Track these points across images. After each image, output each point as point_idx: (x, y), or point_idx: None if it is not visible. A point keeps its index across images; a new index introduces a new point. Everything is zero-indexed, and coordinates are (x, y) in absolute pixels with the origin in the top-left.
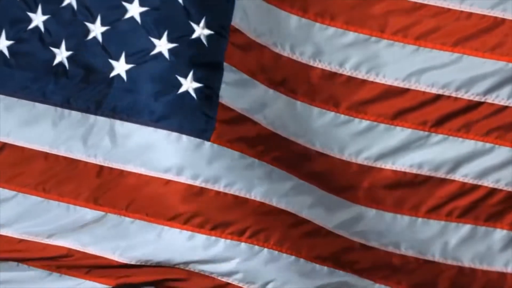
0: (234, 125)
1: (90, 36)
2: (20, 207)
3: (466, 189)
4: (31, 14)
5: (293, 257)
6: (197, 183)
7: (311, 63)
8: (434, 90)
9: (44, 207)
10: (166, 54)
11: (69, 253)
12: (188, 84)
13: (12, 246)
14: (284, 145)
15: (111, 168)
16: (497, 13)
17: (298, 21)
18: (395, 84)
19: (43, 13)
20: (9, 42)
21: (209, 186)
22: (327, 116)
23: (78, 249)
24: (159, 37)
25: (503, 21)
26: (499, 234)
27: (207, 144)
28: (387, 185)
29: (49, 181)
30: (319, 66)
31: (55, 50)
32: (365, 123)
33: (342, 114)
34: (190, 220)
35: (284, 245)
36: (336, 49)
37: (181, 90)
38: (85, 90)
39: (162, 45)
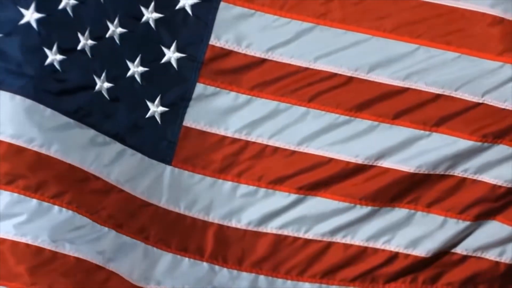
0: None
1: (79, 47)
2: None
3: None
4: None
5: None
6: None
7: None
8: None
9: None
10: (138, 78)
11: None
12: (155, 109)
13: None
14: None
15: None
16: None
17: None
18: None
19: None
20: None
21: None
22: None
23: None
24: (133, 61)
25: (502, 20)
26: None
27: (168, 168)
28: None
29: None
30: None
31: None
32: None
33: None
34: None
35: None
36: None
37: (148, 114)
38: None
39: (136, 69)
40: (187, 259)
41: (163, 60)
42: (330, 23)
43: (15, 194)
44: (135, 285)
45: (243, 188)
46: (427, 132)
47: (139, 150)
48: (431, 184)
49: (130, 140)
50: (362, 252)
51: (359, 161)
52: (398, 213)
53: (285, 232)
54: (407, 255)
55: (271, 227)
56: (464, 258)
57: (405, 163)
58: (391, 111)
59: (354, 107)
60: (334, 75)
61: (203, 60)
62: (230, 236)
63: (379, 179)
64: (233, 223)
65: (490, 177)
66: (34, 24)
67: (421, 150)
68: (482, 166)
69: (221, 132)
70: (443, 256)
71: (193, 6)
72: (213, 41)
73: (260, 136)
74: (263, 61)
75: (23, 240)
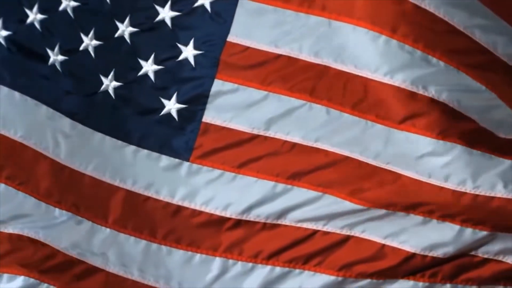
0: (216, 143)
1: (82, 48)
2: None
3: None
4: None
5: None
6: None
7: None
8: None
9: None
10: (152, 76)
11: None
12: (171, 106)
13: None
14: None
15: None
16: None
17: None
18: None
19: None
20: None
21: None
22: None
23: None
24: (146, 59)
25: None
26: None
27: (186, 164)
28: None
29: None
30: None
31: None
32: None
33: None
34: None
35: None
36: None
37: (164, 111)
38: (73, 98)
39: (149, 67)
40: (198, 255)
41: (180, 58)
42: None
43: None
44: None
45: (262, 183)
46: None
47: (153, 149)
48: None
49: (143, 139)
50: (380, 250)
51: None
52: (414, 218)
53: (304, 225)
54: (424, 256)
55: (290, 221)
56: (485, 261)
57: None
58: None
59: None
60: None
61: (221, 56)
62: (246, 230)
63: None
64: (251, 218)
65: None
66: (37, 25)
67: None
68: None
69: (240, 128)
70: (463, 257)
71: (212, 3)
72: (230, 37)
73: (278, 132)
74: (278, 56)
75: None
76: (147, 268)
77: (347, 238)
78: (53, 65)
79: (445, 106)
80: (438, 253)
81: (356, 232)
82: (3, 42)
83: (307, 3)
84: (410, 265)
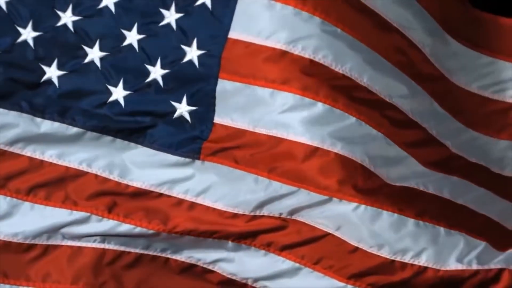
0: (227, 141)
1: (87, 60)
2: None
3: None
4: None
5: None
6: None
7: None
8: None
9: None
10: (160, 81)
11: None
12: (182, 109)
13: None
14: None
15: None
16: None
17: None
18: None
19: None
20: None
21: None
22: None
23: None
24: (153, 64)
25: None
26: None
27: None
28: None
29: None
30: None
31: (45, 68)
32: None
33: None
34: None
35: None
36: None
37: (176, 115)
38: (83, 111)
39: (156, 72)
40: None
41: (185, 60)
42: None
43: None
44: None
45: (274, 184)
46: None
47: (167, 151)
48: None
49: (156, 143)
50: (390, 264)
51: None
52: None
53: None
54: (437, 270)
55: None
56: (500, 272)
57: None
58: None
59: None
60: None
61: (222, 54)
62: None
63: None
64: (265, 213)
65: None
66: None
67: None
68: None
69: (247, 126)
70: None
71: (213, 0)
72: (231, 34)
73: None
74: (284, 53)
75: None
76: None
77: (356, 249)
78: (49, 79)
79: None
80: (451, 266)
81: (364, 246)
82: None
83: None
84: (422, 279)
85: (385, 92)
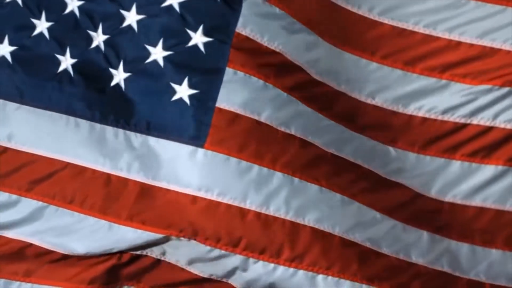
0: (229, 128)
1: (93, 45)
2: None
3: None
4: (35, 21)
5: None
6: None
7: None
8: (420, 114)
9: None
10: (161, 62)
11: None
12: (183, 91)
13: None
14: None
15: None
16: (486, 42)
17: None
18: (384, 106)
19: (47, 20)
20: (12, 48)
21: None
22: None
23: None
24: (155, 45)
25: (491, 50)
26: None
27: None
28: None
29: None
30: None
31: (60, 57)
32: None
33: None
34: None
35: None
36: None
37: (175, 97)
38: (90, 98)
39: (157, 53)
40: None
41: (190, 44)
42: None
43: None
44: None
45: (279, 176)
46: None
47: (164, 136)
48: None
49: (154, 127)
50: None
51: None
52: None
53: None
54: None
55: (308, 220)
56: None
57: None
58: None
59: None
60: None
61: (231, 45)
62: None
63: None
64: (271, 212)
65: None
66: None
67: None
68: None
69: (255, 116)
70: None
71: None
72: (239, 28)
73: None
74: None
75: None
76: None
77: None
78: (65, 69)
79: None
80: None
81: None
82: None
83: None
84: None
85: None
